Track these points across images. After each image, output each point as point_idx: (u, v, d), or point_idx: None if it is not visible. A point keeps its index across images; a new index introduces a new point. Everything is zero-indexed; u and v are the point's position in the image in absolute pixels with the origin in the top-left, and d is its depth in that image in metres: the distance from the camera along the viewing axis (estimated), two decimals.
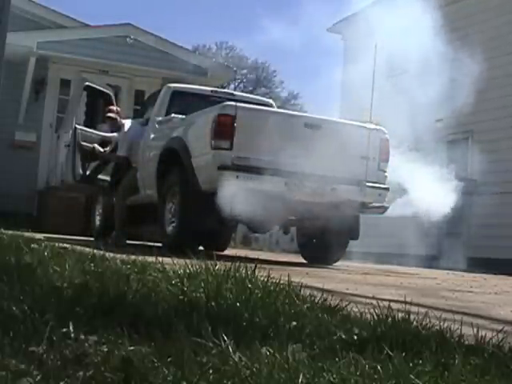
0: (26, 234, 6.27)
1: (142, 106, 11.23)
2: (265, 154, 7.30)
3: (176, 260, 3.71)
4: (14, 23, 9.35)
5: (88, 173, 9.77)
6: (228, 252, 9.54)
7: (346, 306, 2.81)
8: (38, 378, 1.64)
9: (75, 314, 2.20)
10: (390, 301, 2.82)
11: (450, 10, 16.77)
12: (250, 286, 2.69)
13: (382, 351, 2.02)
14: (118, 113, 9.73)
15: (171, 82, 11.30)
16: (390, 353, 1.99)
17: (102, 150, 9.54)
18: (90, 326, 2.06)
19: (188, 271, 3.10)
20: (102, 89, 10.59)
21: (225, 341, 1.93)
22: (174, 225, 7.75)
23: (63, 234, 10.09)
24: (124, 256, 4.43)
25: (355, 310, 2.77)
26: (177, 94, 9.18)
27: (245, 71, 47.61)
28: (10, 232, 6.37)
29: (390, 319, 2.44)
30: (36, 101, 14.27)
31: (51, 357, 1.77)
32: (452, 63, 13.66)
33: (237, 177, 7.01)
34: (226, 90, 11.05)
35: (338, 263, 8.66)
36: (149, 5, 62.98)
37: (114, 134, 9.55)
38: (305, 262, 8.65)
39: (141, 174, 9.01)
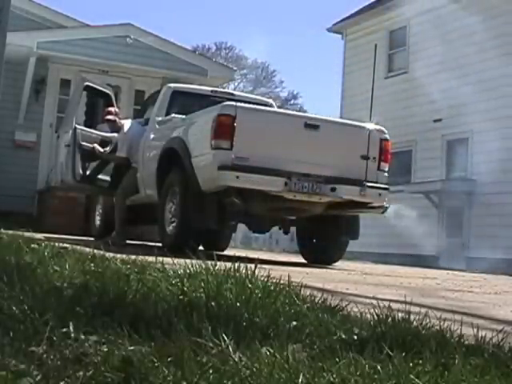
0: (26, 234, 6.26)
1: (142, 106, 11.23)
2: (265, 154, 7.30)
3: (176, 260, 3.71)
4: (14, 23, 9.35)
5: (88, 173, 9.77)
6: (228, 252, 9.54)
7: (346, 306, 2.81)
8: (38, 377, 1.64)
9: (75, 314, 2.20)
10: (390, 301, 2.82)
11: (450, 10, 16.78)
12: (250, 285, 2.69)
13: (382, 351, 2.02)
14: (116, 114, 9.72)
15: (171, 82, 11.31)
16: (390, 353, 1.99)
17: (101, 150, 9.54)
18: (90, 325, 2.06)
19: (188, 271, 3.10)
20: (102, 89, 10.59)
21: (225, 341, 1.93)
22: (174, 225, 7.75)
23: (63, 234, 10.08)
24: (124, 256, 4.43)
25: (355, 310, 2.77)
26: (177, 94, 9.18)
27: (245, 71, 47.66)
28: (10, 232, 6.37)
29: (389, 319, 2.43)
30: (36, 101, 14.27)
31: (51, 357, 1.77)
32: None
33: (237, 177, 7.02)
34: (226, 90, 11.04)
35: (338, 263, 8.66)
36: (149, 5, 63.04)
37: (114, 134, 9.55)
38: (305, 261, 8.65)
39: (141, 174, 9.00)
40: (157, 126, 8.95)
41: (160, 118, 8.96)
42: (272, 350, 1.91)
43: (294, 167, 7.37)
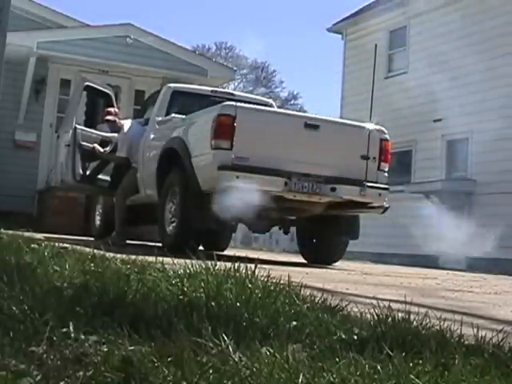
0: (26, 234, 6.25)
1: (142, 106, 11.23)
2: (265, 154, 7.30)
3: (176, 260, 3.71)
4: (14, 23, 9.35)
5: (88, 173, 9.77)
6: (228, 252, 9.54)
7: (346, 306, 2.81)
8: (38, 377, 1.64)
9: (75, 314, 2.20)
10: (390, 301, 2.82)
11: (450, 10, 16.78)
12: (250, 285, 2.69)
13: (382, 351, 2.02)
14: (116, 114, 9.72)
15: (171, 82, 11.31)
16: (390, 353, 1.99)
17: (101, 150, 9.54)
18: (90, 326, 2.06)
19: (188, 271, 3.10)
20: (102, 88, 10.59)
21: (225, 341, 1.93)
22: (174, 225, 7.75)
23: (63, 234, 10.08)
24: (124, 256, 4.43)
25: (355, 310, 2.77)
26: (177, 94, 9.18)
27: (245, 71, 47.67)
28: (10, 232, 6.36)
29: (389, 319, 2.43)
30: (36, 101, 14.27)
31: (51, 357, 1.77)
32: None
33: (237, 177, 7.01)
34: (226, 90, 11.04)
35: (338, 263, 8.66)
36: (149, 5, 63.11)
37: (114, 134, 9.55)
38: (305, 261, 8.65)
39: (141, 174, 9.00)
40: (157, 126, 8.95)
41: (160, 118, 8.96)
42: (272, 350, 1.91)
43: (294, 167, 7.37)
